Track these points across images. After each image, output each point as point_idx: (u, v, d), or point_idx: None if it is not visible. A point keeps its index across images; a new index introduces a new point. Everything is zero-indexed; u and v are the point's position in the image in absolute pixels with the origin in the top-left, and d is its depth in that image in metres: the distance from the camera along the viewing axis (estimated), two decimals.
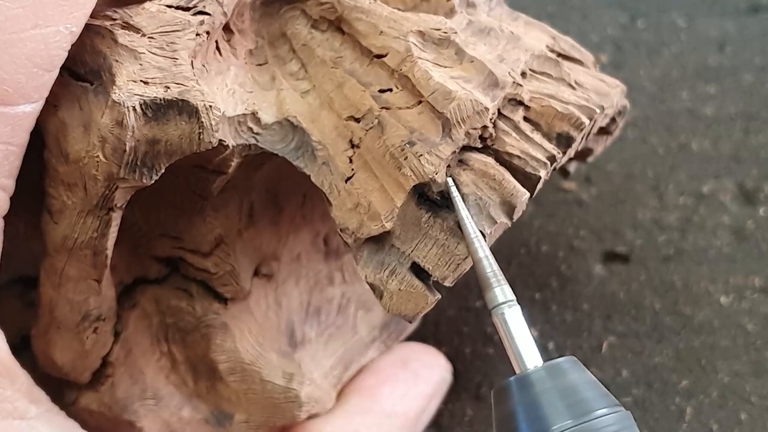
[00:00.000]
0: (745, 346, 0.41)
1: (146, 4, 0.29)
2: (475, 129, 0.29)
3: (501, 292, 0.27)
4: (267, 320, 0.35)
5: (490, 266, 0.27)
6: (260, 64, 0.32)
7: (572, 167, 0.40)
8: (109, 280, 0.31)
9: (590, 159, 0.38)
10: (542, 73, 0.32)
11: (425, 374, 0.37)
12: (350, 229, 0.29)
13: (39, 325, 0.31)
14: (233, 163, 0.30)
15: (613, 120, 0.35)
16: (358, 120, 0.29)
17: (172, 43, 0.28)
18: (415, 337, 0.40)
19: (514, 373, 0.26)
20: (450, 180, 0.28)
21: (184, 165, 0.29)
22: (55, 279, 0.30)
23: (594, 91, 0.32)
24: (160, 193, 0.31)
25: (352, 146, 0.30)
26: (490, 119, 0.29)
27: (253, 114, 0.30)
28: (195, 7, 0.29)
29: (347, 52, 0.31)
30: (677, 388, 0.40)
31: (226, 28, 0.31)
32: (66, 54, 0.27)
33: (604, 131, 0.35)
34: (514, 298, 0.27)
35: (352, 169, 0.29)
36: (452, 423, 0.40)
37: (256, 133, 0.30)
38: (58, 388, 0.31)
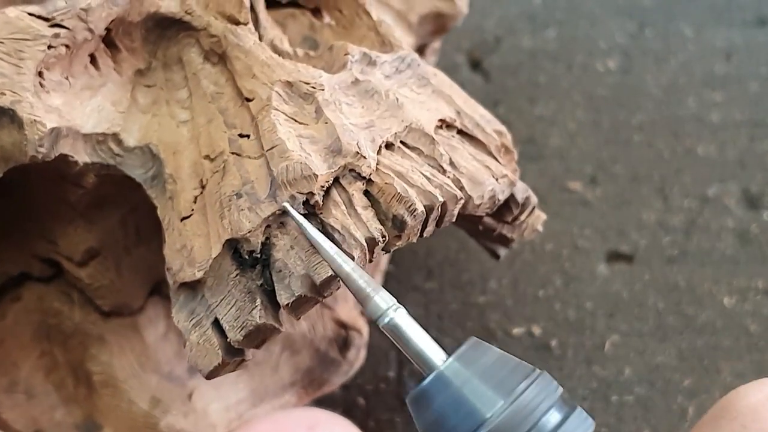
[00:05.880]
0: (747, 346, 0.41)
1: (8, 9, 0.28)
2: (301, 194, 0.27)
3: (381, 299, 0.25)
4: (163, 341, 0.34)
5: (361, 277, 0.26)
6: (149, 86, 0.31)
7: (502, 251, 0.36)
8: None
9: (514, 245, 0.35)
10: (413, 148, 0.30)
11: None
12: (173, 270, 0.28)
13: None
14: (91, 180, 0.30)
15: (514, 209, 0.32)
16: (212, 160, 0.29)
17: (20, 51, 0.28)
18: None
19: (424, 377, 0.25)
20: (287, 205, 0.27)
21: (48, 172, 0.29)
22: None
23: (468, 177, 0.30)
24: (32, 195, 0.31)
25: (202, 186, 0.29)
26: (322, 187, 0.27)
27: (115, 135, 0.29)
28: (53, 19, 0.28)
29: (228, 89, 0.30)
30: (680, 388, 0.40)
31: (112, 45, 0.31)
32: None
33: (515, 219, 0.33)
34: (395, 301, 0.26)
35: (192, 210, 0.28)
36: None
37: (117, 154, 0.30)
38: None
